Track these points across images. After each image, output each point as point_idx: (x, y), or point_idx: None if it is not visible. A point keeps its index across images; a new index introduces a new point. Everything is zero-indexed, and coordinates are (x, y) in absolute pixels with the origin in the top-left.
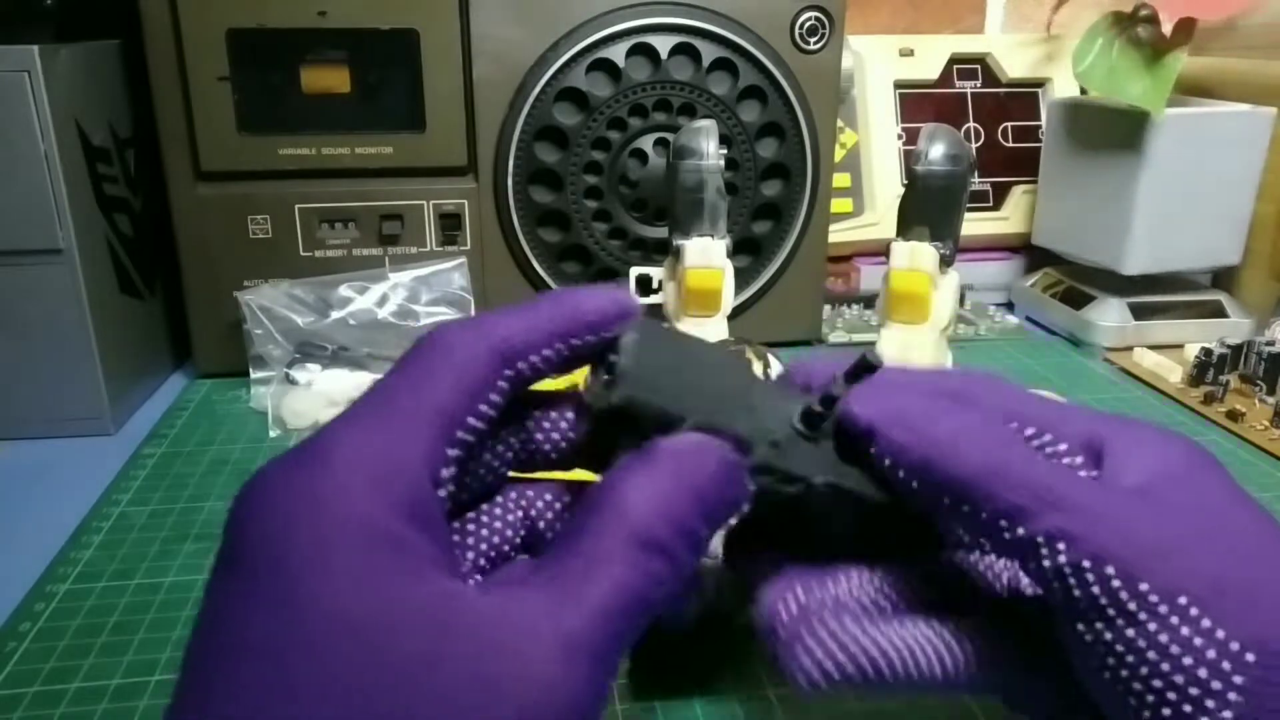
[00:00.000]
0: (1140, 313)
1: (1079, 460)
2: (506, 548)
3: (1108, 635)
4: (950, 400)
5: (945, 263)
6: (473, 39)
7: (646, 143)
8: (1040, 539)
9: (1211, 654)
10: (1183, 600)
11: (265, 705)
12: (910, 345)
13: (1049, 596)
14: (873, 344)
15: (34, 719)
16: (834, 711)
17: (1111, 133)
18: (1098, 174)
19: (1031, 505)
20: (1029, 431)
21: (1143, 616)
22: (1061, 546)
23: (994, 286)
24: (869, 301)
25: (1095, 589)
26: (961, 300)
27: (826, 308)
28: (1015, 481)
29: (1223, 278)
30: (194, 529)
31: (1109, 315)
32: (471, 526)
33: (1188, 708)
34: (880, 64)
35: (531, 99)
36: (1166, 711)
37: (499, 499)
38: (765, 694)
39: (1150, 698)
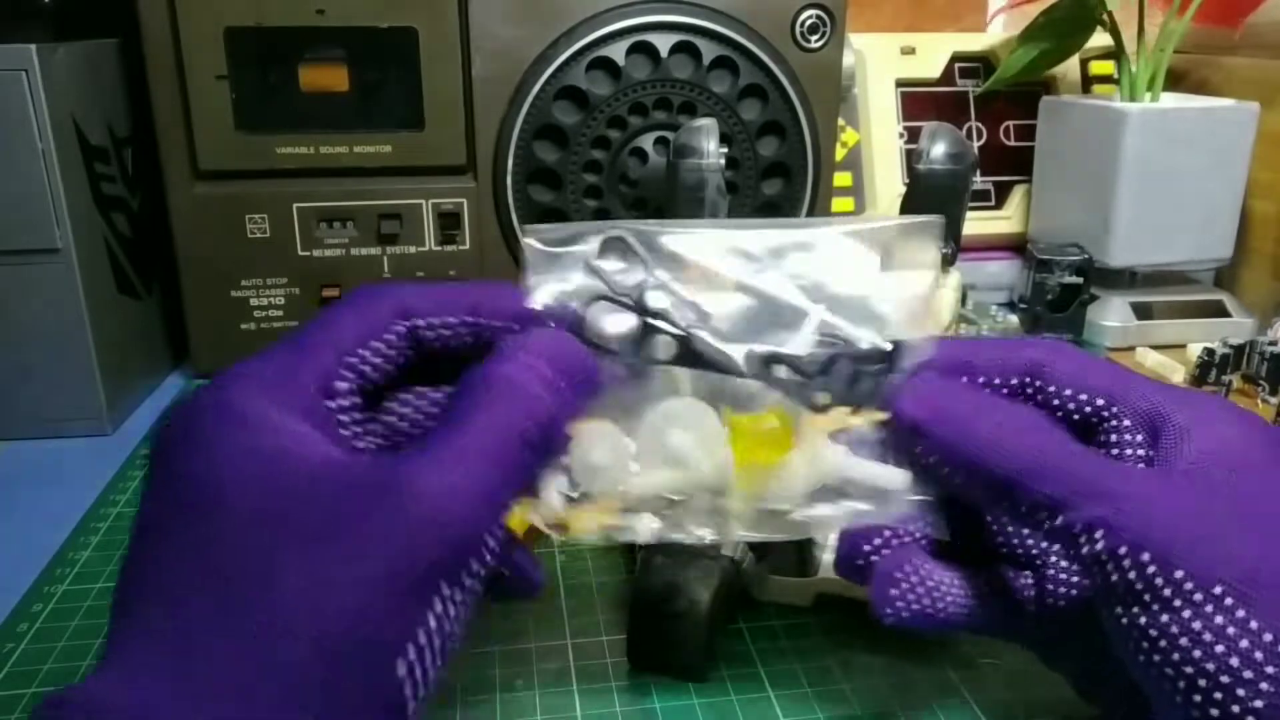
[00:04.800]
0: (1143, 312)
1: (1139, 438)
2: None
3: (1142, 620)
4: (1016, 374)
5: (947, 262)
6: (472, 37)
7: (646, 141)
8: (1079, 527)
9: (1245, 644)
10: (1218, 590)
11: (162, 559)
12: None
13: (1090, 582)
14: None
15: None
16: (838, 710)
17: (1091, 128)
18: (1082, 170)
19: (1071, 496)
20: (1098, 403)
21: (1178, 604)
22: (1100, 534)
23: (995, 286)
24: None
25: (1132, 575)
26: (963, 300)
27: None
28: (1055, 474)
29: (1225, 277)
30: None
31: (1112, 314)
32: (374, 425)
33: (1219, 694)
34: (882, 62)
35: (531, 97)
36: (1198, 697)
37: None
38: (765, 694)
39: (1183, 682)
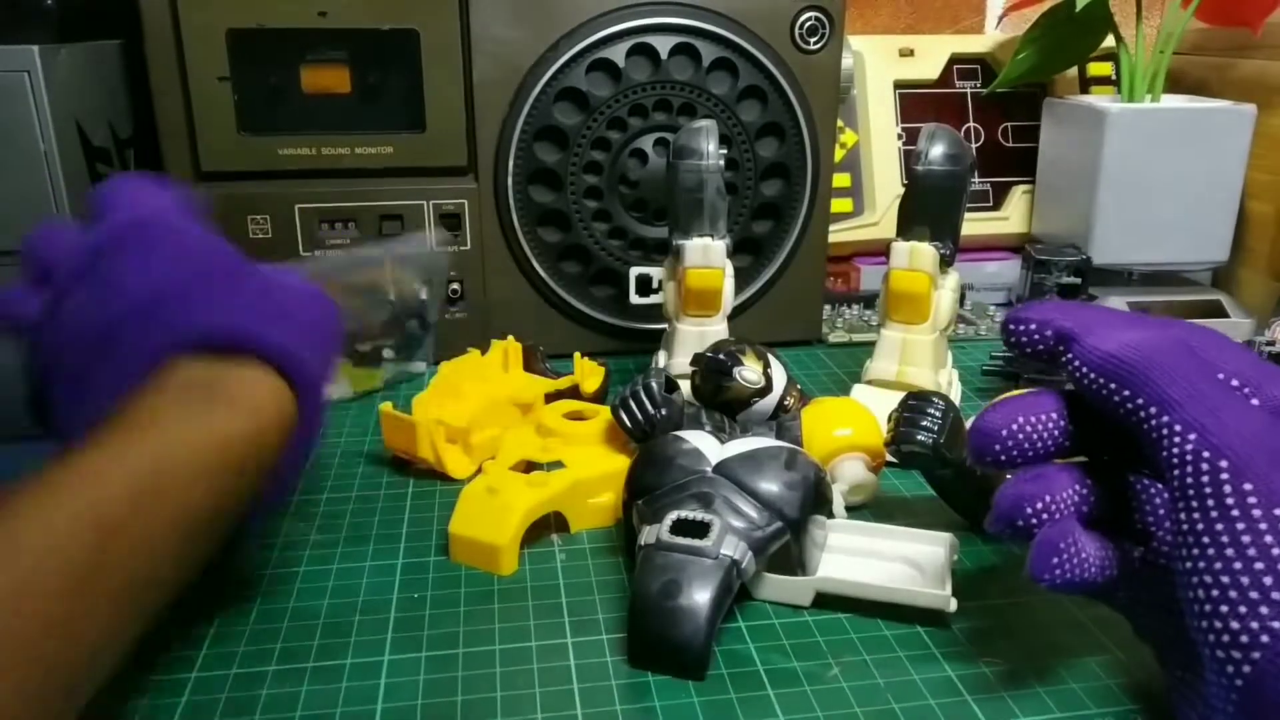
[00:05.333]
0: (1140, 312)
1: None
2: None
3: (1200, 525)
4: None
5: (945, 263)
6: (473, 39)
7: (646, 143)
8: (1179, 425)
9: None
10: (1278, 511)
11: None
12: (910, 345)
13: (1168, 483)
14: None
15: None
16: (838, 710)
17: (1079, 128)
18: (1073, 169)
19: (1185, 401)
20: (1233, 383)
21: (1236, 514)
22: (1193, 436)
23: (994, 286)
24: (869, 301)
25: (1205, 479)
26: (961, 300)
27: (826, 308)
28: (1179, 380)
29: (1223, 277)
30: None
31: None
32: None
33: (1243, 608)
34: (880, 64)
35: (531, 99)
36: (1224, 608)
37: None
38: (765, 693)
39: (1215, 590)
